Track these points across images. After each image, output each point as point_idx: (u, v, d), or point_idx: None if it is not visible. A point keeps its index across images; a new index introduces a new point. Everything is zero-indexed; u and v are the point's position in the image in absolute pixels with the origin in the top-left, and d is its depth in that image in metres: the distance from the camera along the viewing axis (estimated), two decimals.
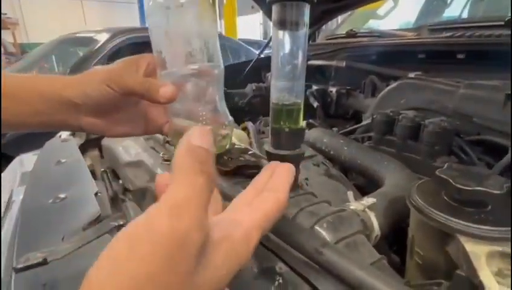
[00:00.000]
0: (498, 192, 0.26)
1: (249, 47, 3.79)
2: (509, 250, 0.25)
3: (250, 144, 0.55)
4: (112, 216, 0.42)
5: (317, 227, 0.32)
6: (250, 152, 0.46)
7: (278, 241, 0.30)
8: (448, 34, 0.86)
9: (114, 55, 2.32)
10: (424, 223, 0.30)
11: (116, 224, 0.39)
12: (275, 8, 0.34)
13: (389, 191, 0.41)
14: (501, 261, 0.25)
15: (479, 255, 0.24)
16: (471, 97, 0.58)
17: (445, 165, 0.32)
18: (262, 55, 1.35)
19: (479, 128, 0.57)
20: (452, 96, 0.60)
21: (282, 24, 0.33)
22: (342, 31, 1.41)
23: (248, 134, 0.58)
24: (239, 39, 6.74)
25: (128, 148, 0.62)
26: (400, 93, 0.70)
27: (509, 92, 0.53)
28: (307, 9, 0.32)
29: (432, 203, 0.30)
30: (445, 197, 0.30)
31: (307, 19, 0.33)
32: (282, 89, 0.35)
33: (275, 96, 0.35)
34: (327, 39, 1.47)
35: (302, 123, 0.37)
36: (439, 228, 0.28)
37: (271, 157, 0.37)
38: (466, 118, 0.58)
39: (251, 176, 0.42)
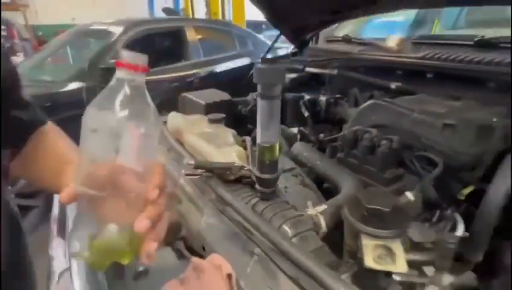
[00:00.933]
0: (387, 209, 0.45)
1: (256, 34, 3.88)
2: (388, 244, 0.43)
3: (247, 157, 0.73)
4: None
5: (284, 226, 0.51)
6: (246, 168, 0.65)
7: (257, 234, 0.50)
8: (422, 54, 1.00)
9: (129, 47, 2.47)
10: (348, 226, 0.48)
11: None
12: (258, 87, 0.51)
13: (340, 200, 0.59)
14: (382, 250, 0.43)
15: (368, 246, 0.43)
16: (421, 122, 0.74)
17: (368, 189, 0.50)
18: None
19: (425, 146, 0.74)
20: (407, 119, 0.76)
21: (263, 97, 0.50)
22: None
23: (245, 148, 0.76)
24: (247, 20, 6.71)
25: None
26: (372, 111, 0.86)
27: (448, 122, 0.69)
28: (278, 87, 0.50)
29: (353, 214, 0.48)
30: (360, 211, 0.48)
31: (279, 92, 0.50)
32: (263, 135, 0.53)
33: (258, 140, 0.54)
34: (327, 41, 1.60)
35: (277, 155, 0.55)
36: (354, 229, 0.47)
37: (258, 179, 0.55)
38: (416, 138, 0.74)
39: (246, 184, 0.61)
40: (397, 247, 0.43)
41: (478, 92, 0.86)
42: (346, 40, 1.45)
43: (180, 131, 0.91)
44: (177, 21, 3.19)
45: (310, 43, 1.62)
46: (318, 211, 0.54)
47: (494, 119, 0.68)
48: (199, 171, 0.61)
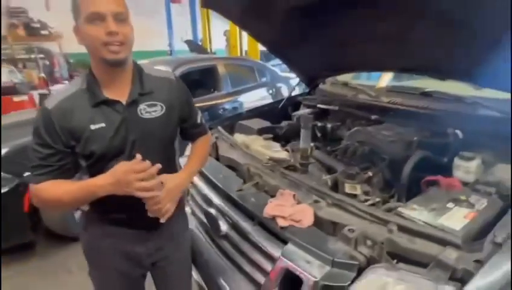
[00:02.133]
0: (355, 172, 1.13)
1: (271, 67, 4.68)
2: (355, 185, 1.11)
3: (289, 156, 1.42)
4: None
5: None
6: (291, 161, 1.33)
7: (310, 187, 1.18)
8: (388, 99, 1.70)
9: None
10: (340, 182, 1.16)
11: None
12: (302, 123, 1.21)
13: (337, 174, 1.28)
14: (352, 187, 1.11)
15: (347, 185, 1.11)
16: (380, 139, 1.42)
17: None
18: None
19: (381, 151, 1.41)
20: (374, 138, 1.45)
21: (304, 128, 1.20)
22: None
23: (288, 151, 1.45)
24: (260, 50, 7.55)
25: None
26: (356, 134, 1.55)
27: (392, 140, 1.37)
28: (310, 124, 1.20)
29: (342, 177, 1.16)
30: (344, 175, 1.17)
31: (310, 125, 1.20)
32: (304, 143, 1.23)
33: (301, 145, 1.23)
34: (331, 84, 2.31)
35: (309, 153, 1.24)
36: (341, 180, 1.15)
37: (301, 164, 1.25)
38: (377, 147, 1.42)
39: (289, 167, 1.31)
40: (359, 187, 1.11)
41: (415, 122, 1.54)
42: (345, 84, 2.17)
43: (246, 144, 1.61)
44: (211, 60, 3.98)
45: (318, 86, 2.34)
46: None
47: (415, 138, 1.36)
48: (270, 161, 1.30)
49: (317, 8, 1.46)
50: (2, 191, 2.14)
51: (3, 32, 7.99)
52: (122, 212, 0.98)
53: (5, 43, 8.09)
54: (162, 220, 0.97)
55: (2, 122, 2.85)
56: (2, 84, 5.76)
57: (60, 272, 2.29)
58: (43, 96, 5.61)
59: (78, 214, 2.49)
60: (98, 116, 0.90)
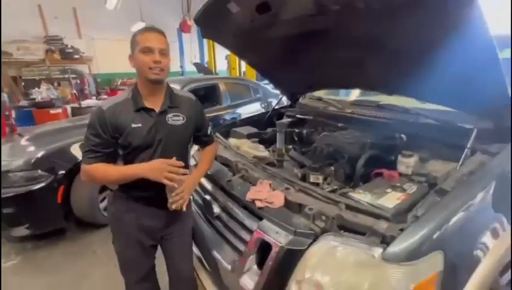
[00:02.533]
0: (317, 165, 1.23)
1: (264, 85, 4.80)
2: (318, 175, 1.21)
3: (270, 155, 1.52)
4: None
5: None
6: (271, 158, 1.44)
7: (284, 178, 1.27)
8: (351, 110, 1.81)
9: None
10: (307, 173, 1.26)
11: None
12: (277, 128, 1.32)
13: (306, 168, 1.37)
14: (316, 178, 1.21)
15: (312, 177, 1.21)
16: (342, 142, 1.53)
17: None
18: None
19: (343, 151, 1.51)
20: (338, 141, 1.55)
21: (279, 132, 1.30)
22: None
23: (269, 152, 1.55)
24: (256, 72, 7.63)
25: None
26: (324, 138, 1.65)
27: (351, 142, 1.48)
28: (284, 129, 1.30)
29: (309, 170, 1.26)
30: (311, 169, 1.27)
31: (284, 130, 1.30)
32: (279, 144, 1.33)
33: (278, 146, 1.33)
34: (309, 98, 2.42)
35: (283, 152, 1.34)
36: (307, 173, 1.25)
37: (277, 161, 1.35)
38: (340, 148, 1.53)
39: (269, 163, 1.41)
40: (321, 178, 1.21)
41: (372, 128, 1.65)
42: (319, 99, 2.28)
43: (237, 146, 1.71)
44: (214, 79, 4.11)
45: (298, 100, 2.45)
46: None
47: (368, 140, 1.47)
48: (255, 159, 1.40)
49: (293, 40, 1.57)
50: (39, 186, 2.22)
51: (42, 56, 8.16)
52: (144, 191, 1.11)
53: (43, 65, 8.27)
54: (183, 209, 1.11)
55: (40, 131, 2.96)
56: (41, 100, 5.89)
57: (86, 253, 2.37)
58: (75, 109, 5.76)
59: (102, 205, 2.58)
60: (138, 118, 1.07)
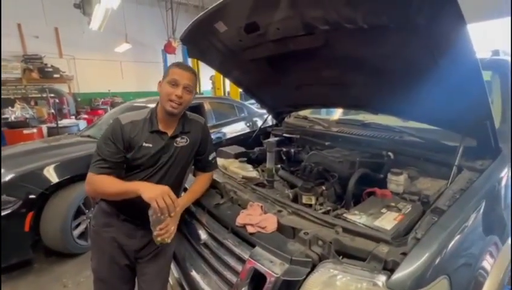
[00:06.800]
0: (310, 186, 1.17)
1: (249, 105, 4.81)
2: (310, 196, 1.15)
3: (259, 175, 1.45)
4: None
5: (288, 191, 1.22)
6: (260, 179, 1.36)
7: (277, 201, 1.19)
8: (337, 129, 1.79)
9: None
10: (299, 194, 1.19)
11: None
12: (267, 148, 1.26)
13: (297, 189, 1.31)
14: (308, 199, 1.14)
15: (304, 197, 1.14)
16: (331, 160, 1.49)
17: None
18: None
19: (332, 170, 1.47)
20: (326, 159, 1.51)
21: (269, 151, 1.24)
22: None
23: (258, 172, 1.48)
24: (240, 92, 7.71)
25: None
26: (312, 157, 1.61)
27: (339, 160, 1.44)
28: (274, 148, 1.24)
29: (301, 190, 1.19)
30: (302, 189, 1.20)
31: (274, 149, 1.24)
32: (269, 164, 1.26)
33: (268, 166, 1.26)
34: (294, 117, 2.41)
35: (273, 172, 1.27)
36: (299, 193, 1.18)
37: (267, 181, 1.27)
38: (329, 167, 1.49)
39: (259, 184, 1.33)
40: (313, 198, 1.15)
41: (358, 146, 1.63)
42: (305, 118, 2.27)
43: (225, 166, 1.62)
44: (199, 99, 4.05)
45: (284, 119, 2.44)
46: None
47: (358, 159, 1.44)
48: (243, 180, 1.32)
49: (279, 59, 1.56)
50: (5, 213, 1.99)
51: (19, 75, 7.81)
52: (127, 209, 1.12)
53: (20, 84, 7.88)
54: (168, 241, 1.05)
55: (11, 152, 2.71)
56: (14, 119, 5.52)
57: (55, 286, 2.10)
58: (52, 129, 5.42)
59: (76, 232, 2.35)
60: (150, 139, 1.12)
